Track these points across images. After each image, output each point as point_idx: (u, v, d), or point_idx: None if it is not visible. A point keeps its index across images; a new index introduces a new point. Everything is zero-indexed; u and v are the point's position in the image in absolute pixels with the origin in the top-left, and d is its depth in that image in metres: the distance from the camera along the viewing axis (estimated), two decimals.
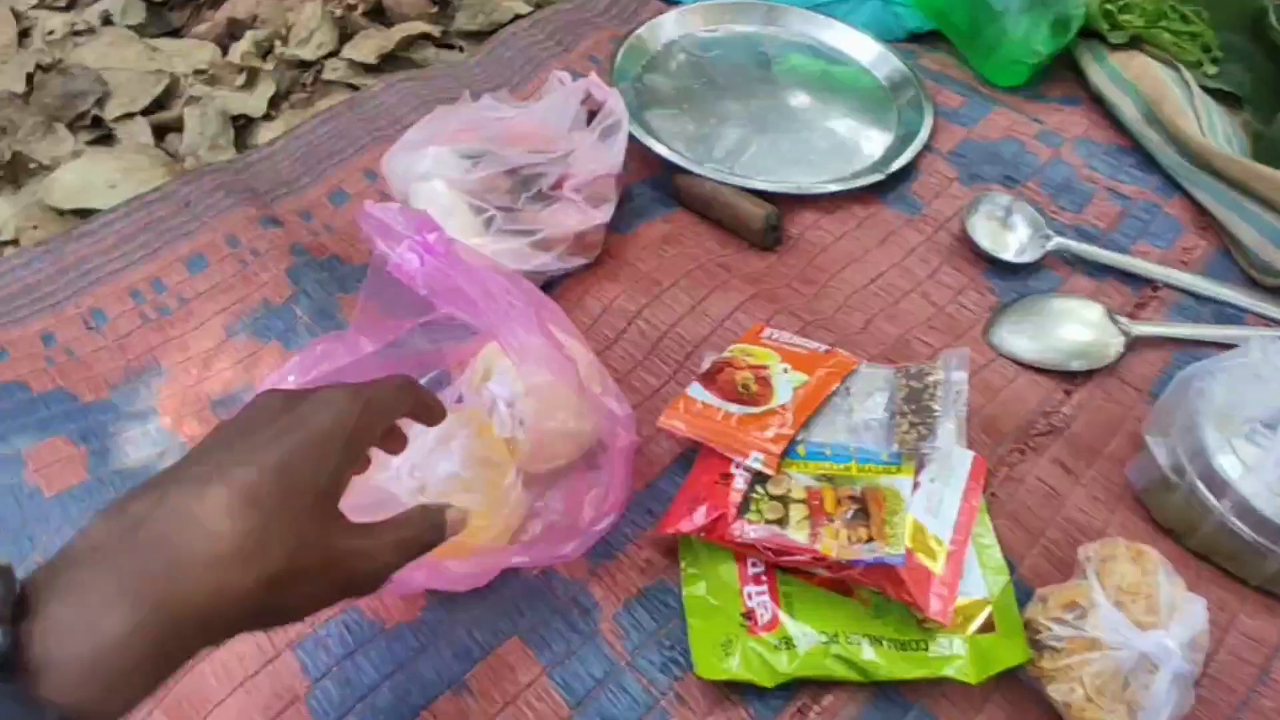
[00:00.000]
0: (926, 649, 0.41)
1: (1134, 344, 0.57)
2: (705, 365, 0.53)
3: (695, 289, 0.59)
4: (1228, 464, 0.45)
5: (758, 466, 0.46)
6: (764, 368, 0.50)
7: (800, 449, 0.47)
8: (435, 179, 0.58)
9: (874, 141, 0.72)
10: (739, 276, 0.60)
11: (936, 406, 0.46)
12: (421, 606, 0.44)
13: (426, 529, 0.34)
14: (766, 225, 0.62)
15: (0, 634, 0.24)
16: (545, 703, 0.41)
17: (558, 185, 0.60)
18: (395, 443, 0.38)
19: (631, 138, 0.65)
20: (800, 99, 0.75)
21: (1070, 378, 0.56)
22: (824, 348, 0.52)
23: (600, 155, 0.61)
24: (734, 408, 0.48)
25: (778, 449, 0.46)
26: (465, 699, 0.41)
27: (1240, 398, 0.46)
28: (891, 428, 0.47)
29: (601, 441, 0.49)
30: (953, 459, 0.46)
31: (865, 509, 0.43)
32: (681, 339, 0.57)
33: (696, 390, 0.50)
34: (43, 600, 0.25)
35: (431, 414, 0.38)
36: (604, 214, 0.60)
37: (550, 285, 0.60)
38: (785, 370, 0.50)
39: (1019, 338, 0.58)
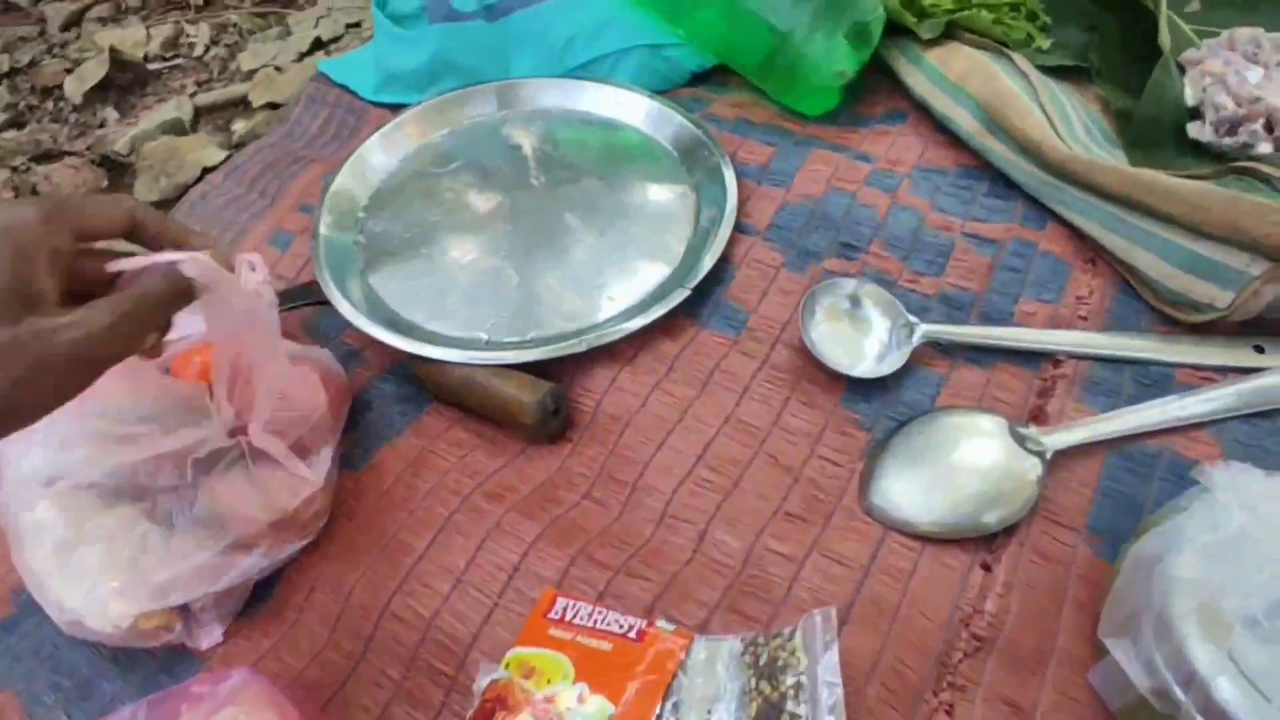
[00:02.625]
0: None
1: (1053, 461, 0.42)
2: (477, 695, 0.35)
3: (461, 544, 0.42)
4: (1234, 692, 0.30)
5: None
6: (550, 700, 0.33)
7: None
8: (42, 501, 0.39)
9: (678, 234, 0.56)
10: (520, 504, 0.43)
11: None
12: None
13: (165, 288, 0.33)
14: (542, 412, 0.45)
15: None
16: None
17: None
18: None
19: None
20: (578, 197, 0.58)
21: (988, 541, 0.40)
22: (636, 626, 0.36)
23: (298, 385, 0.43)
24: None
25: None
26: None
27: (1227, 578, 0.32)
28: None
29: None
30: None
31: None
32: (448, 638, 0.39)
33: None
34: None
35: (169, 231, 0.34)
36: (318, 471, 0.42)
37: (266, 586, 0.42)
38: (580, 697, 0.33)
39: (908, 493, 0.42)
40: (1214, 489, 0.33)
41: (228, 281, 0.35)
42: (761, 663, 0.33)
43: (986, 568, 0.39)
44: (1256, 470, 0.34)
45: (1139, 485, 0.42)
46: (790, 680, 0.31)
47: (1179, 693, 0.31)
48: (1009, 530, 0.40)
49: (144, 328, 0.33)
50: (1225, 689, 0.30)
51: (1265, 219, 0.44)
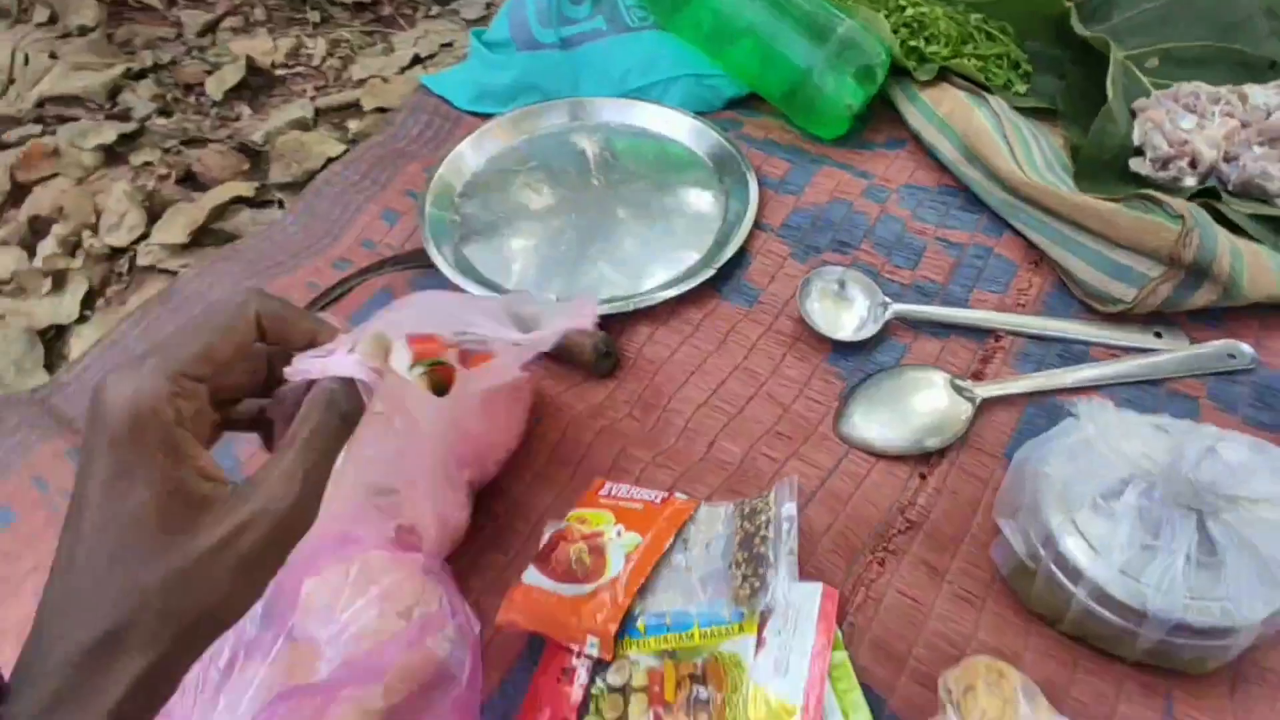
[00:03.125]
0: None
1: (982, 407, 0.56)
2: (544, 540, 0.50)
3: (535, 447, 0.56)
4: (1075, 547, 0.43)
5: (595, 653, 0.43)
6: (598, 535, 0.47)
7: (640, 623, 0.44)
8: None
9: (708, 228, 0.70)
10: (577, 418, 0.58)
11: (768, 551, 0.44)
12: None
13: (325, 419, 0.31)
14: (597, 354, 0.60)
15: None
16: None
17: None
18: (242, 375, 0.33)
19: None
20: (629, 195, 0.73)
21: (925, 459, 0.54)
22: (660, 496, 0.50)
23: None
24: (567, 589, 0.45)
25: (612, 628, 0.43)
26: None
27: (1078, 472, 0.45)
28: (730, 580, 0.44)
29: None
30: (800, 598, 0.44)
31: (708, 687, 0.40)
32: (527, 508, 0.53)
33: (531, 575, 0.47)
34: None
35: (296, 328, 0.32)
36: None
37: None
38: (619, 533, 0.47)
39: (870, 424, 0.56)
40: (1078, 414, 0.46)
41: (394, 380, 0.32)
42: (745, 512, 0.47)
43: (923, 476, 0.53)
44: (1110, 404, 0.47)
45: (1048, 426, 0.55)
46: (763, 518, 0.45)
47: (1041, 551, 0.45)
48: (944, 452, 0.54)
49: (326, 474, 0.29)
50: (1069, 545, 0.43)
51: (1159, 235, 0.57)
